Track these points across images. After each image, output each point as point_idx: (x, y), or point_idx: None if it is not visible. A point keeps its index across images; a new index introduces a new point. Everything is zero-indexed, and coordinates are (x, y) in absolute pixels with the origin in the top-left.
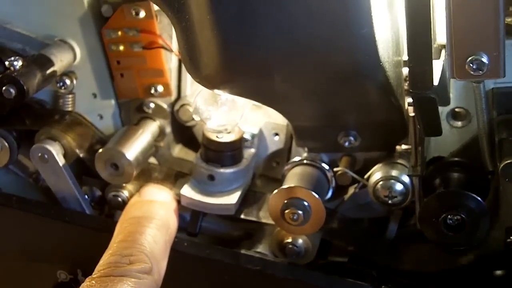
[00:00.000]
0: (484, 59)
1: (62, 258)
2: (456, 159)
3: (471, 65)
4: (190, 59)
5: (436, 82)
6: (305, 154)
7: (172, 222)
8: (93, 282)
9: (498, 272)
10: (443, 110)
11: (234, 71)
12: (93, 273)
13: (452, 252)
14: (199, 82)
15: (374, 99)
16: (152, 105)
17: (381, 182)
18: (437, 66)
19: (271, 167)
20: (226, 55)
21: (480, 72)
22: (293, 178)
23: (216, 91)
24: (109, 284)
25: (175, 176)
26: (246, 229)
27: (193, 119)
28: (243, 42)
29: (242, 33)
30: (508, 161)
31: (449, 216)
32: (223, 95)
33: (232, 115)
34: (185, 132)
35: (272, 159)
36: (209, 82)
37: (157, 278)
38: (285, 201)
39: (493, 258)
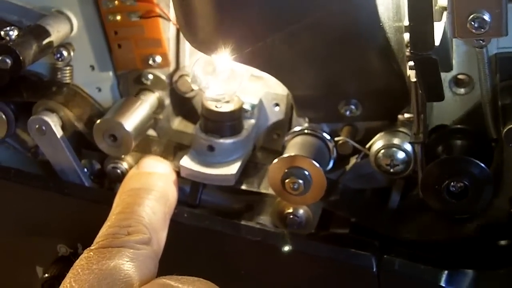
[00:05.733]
0: (486, 17)
1: (61, 232)
2: (459, 126)
3: (472, 23)
4: (186, 23)
5: (437, 42)
6: (306, 125)
7: (171, 194)
8: (91, 253)
9: (502, 242)
10: (445, 77)
11: (230, 34)
12: (92, 245)
13: (456, 221)
14: (195, 47)
15: (374, 64)
16: (150, 76)
17: (382, 151)
18: (438, 28)
19: (272, 139)
20: (221, 17)
21: (482, 30)
22: (293, 147)
23: (213, 56)
24: (107, 255)
25: (174, 148)
26: (247, 201)
27: (192, 90)
28: (238, 3)
29: None
30: None
31: (452, 183)
32: (221, 63)
33: (230, 84)
34: (184, 104)
35: (273, 131)
36: (205, 46)
37: (156, 248)
38: (286, 170)
39: (497, 227)
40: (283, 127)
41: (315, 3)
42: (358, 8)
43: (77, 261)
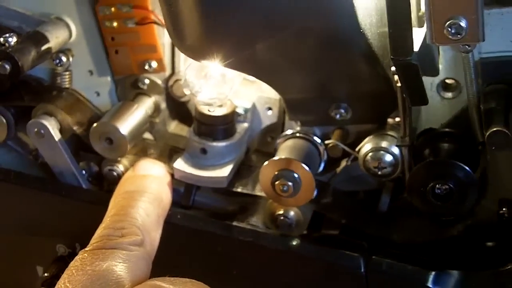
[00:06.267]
0: (462, 23)
1: (60, 232)
2: (447, 129)
3: (449, 29)
4: (174, 29)
5: (416, 48)
6: (298, 128)
7: (165, 196)
8: (85, 255)
9: (489, 243)
10: (433, 81)
11: (216, 40)
12: (87, 247)
13: (444, 223)
14: (184, 53)
15: (359, 68)
16: (146, 81)
17: (370, 153)
18: (421, 34)
19: (266, 142)
20: (206, 24)
21: (459, 36)
22: (284, 150)
23: (203, 62)
24: (101, 256)
25: (170, 151)
26: (241, 203)
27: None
28: (223, 11)
29: (222, 2)
30: (494, 129)
31: (437, 186)
32: (212, 68)
33: (222, 88)
34: (180, 108)
35: (266, 134)
36: (193, 52)
37: (149, 249)
38: (276, 173)
39: (485, 229)
40: (276, 130)
41: (295, 12)
42: (336, 15)
43: (72, 262)
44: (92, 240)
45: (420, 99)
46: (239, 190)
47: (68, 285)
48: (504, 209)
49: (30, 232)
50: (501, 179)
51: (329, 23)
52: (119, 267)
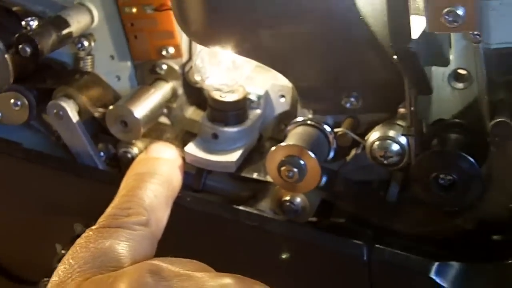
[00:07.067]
0: (460, 11)
1: (77, 211)
2: (456, 120)
3: (446, 17)
4: (180, 14)
5: (415, 35)
6: (309, 116)
7: (176, 178)
8: (91, 233)
9: (495, 237)
10: (444, 72)
11: (220, 27)
12: (94, 225)
13: (451, 215)
14: (190, 38)
15: (366, 57)
16: (164, 66)
17: (377, 142)
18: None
19: (280, 130)
20: (209, 9)
21: (455, 24)
22: (293, 137)
23: (211, 48)
24: (105, 234)
25: (185, 136)
26: (252, 189)
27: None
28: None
29: None
30: (498, 120)
31: (440, 176)
32: (222, 54)
33: (232, 74)
34: (198, 94)
35: (280, 122)
36: (198, 37)
37: (154, 230)
38: (282, 159)
39: (495, 222)
40: (290, 118)
41: None
42: (334, 2)
43: (78, 239)
44: (99, 219)
45: (423, 88)
46: (249, 175)
47: (71, 261)
48: None
49: (49, 210)
50: (506, 172)
51: (328, 9)
52: (121, 245)
